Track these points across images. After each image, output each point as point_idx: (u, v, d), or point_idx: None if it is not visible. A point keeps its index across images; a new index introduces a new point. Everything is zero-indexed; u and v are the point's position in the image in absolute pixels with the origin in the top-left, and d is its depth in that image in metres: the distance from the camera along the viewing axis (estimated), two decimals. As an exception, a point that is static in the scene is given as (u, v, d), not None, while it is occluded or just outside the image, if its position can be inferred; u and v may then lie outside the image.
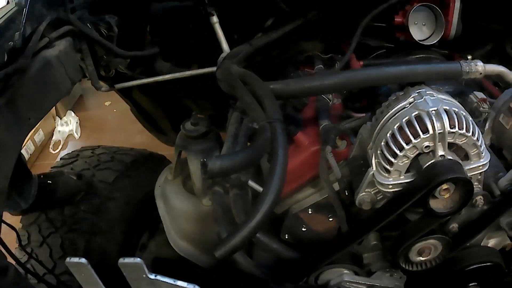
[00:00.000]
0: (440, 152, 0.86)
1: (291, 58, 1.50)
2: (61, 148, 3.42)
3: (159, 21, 1.47)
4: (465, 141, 0.87)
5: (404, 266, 1.04)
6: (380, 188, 0.92)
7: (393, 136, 0.88)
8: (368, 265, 1.12)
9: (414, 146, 0.86)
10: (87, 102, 3.88)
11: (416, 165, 0.89)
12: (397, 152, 0.87)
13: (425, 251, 1.01)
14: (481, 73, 0.95)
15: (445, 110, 0.86)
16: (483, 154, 0.89)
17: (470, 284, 1.05)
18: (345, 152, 1.07)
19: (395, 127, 0.88)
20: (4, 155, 1.03)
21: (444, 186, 0.85)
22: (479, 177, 0.93)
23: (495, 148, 1.04)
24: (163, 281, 0.67)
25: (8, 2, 1.23)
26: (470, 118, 0.88)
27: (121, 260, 0.66)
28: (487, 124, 1.03)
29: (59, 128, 3.52)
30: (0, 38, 1.08)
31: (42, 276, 1.39)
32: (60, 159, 1.76)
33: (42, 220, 1.54)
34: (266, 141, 0.86)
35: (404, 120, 0.87)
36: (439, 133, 0.84)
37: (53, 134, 3.51)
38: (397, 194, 0.92)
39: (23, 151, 3.11)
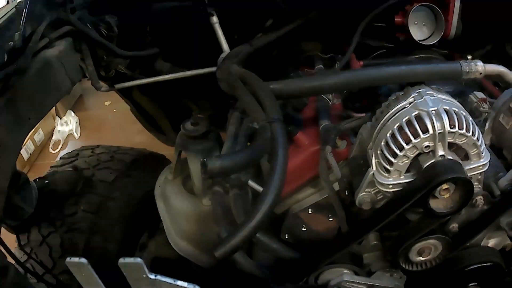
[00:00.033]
0: (440, 152, 0.86)
1: (291, 58, 1.50)
2: (61, 147, 3.42)
3: (159, 21, 1.47)
4: (465, 141, 0.87)
5: (404, 266, 1.04)
6: (380, 188, 0.92)
7: (393, 136, 0.88)
8: (368, 265, 1.12)
9: (414, 146, 0.86)
10: (87, 102, 3.88)
11: (416, 165, 0.89)
12: (397, 152, 0.87)
13: (425, 251, 1.01)
14: (481, 73, 0.95)
15: (445, 110, 0.86)
16: (483, 154, 0.89)
17: (470, 284, 1.05)
18: (345, 152, 1.07)
19: (395, 127, 0.88)
20: (4, 155, 1.03)
21: (444, 186, 0.85)
22: (479, 177, 0.93)
23: (495, 148, 1.04)
24: (163, 281, 0.67)
25: (8, 2, 1.23)
26: (470, 118, 0.88)
27: (121, 260, 0.66)
28: (487, 124, 1.03)
29: (59, 128, 3.52)
30: (0, 38, 1.09)
31: (42, 275, 1.40)
32: (60, 158, 1.76)
33: (42, 220, 1.54)
34: (266, 141, 0.86)
35: (404, 120, 0.87)
36: (439, 133, 0.84)
37: (53, 134, 3.51)
38: (397, 194, 0.92)
39: (23, 151, 3.12)
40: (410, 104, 0.90)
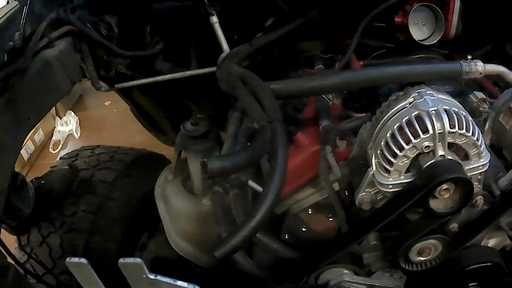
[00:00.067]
0: (440, 152, 0.86)
1: (291, 58, 1.50)
2: (61, 147, 3.42)
3: (159, 21, 1.47)
4: (465, 141, 0.87)
5: (404, 266, 1.04)
6: (380, 188, 0.92)
7: (393, 136, 0.88)
8: (368, 265, 1.12)
9: (414, 146, 0.86)
10: (87, 102, 3.88)
11: (416, 165, 0.89)
12: (397, 152, 0.87)
13: (425, 251, 1.01)
14: (481, 73, 0.95)
15: (445, 110, 0.86)
16: (483, 154, 0.89)
17: (470, 284, 1.05)
18: (345, 152, 1.07)
19: (395, 127, 0.88)
20: (4, 155, 1.03)
21: (444, 186, 0.85)
22: (479, 177, 0.93)
23: (495, 148, 1.04)
24: (163, 281, 0.67)
25: (8, 2, 1.23)
26: (470, 118, 0.88)
27: (121, 260, 0.66)
28: (487, 124, 1.03)
29: (59, 128, 3.52)
30: (0, 38, 1.09)
31: (42, 276, 1.40)
32: (60, 158, 1.76)
33: (42, 220, 1.54)
34: (266, 141, 0.86)
35: (404, 120, 0.87)
36: (439, 133, 0.84)
37: (53, 134, 3.51)
38: (397, 194, 0.92)
39: (23, 151, 3.13)
40: (410, 104, 0.90)
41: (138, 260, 0.66)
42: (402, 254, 1.01)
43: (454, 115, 0.85)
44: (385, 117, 0.92)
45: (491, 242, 1.06)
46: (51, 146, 3.44)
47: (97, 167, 1.65)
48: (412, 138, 0.85)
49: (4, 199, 1.04)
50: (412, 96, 0.91)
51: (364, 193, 0.96)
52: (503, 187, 0.97)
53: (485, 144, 0.91)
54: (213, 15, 1.33)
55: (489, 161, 0.90)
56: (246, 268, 0.99)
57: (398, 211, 0.90)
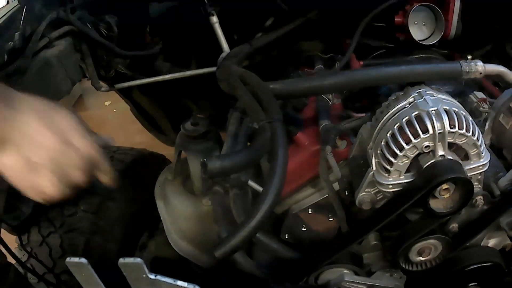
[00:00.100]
0: (440, 152, 0.86)
1: (291, 58, 1.50)
2: (61, 148, 3.42)
3: (159, 21, 1.47)
4: (465, 141, 0.87)
5: (404, 266, 1.03)
6: (380, 188, 0.92)
7: (393, 136, 0.88)
8: (368, 265, 1.12)
9: (414, 146, 0.86)
10: (87, 102, 3.88)
11: (416, 165, 0.89)
12: (397, 152, 0.87)
13: (425, 251, 1.01)
14: (481, 73, 0.95)
15: (445, 110, 0.86)
16: (483, 154, 0.89)
17: (470, 284, 1.05)
18: (345, 152, 1.07)
19: (395, 127, 0.88)
20: (5, 155, 1.03)
21: (444, 186, 0.85)
22: (479, 177, 0.93)
23: (495, 148, 1.04)
24: (163, 281, 0.67)
25: (8, 2, 1.23)
26: (470, 118, 0.88)
27: (121, 260, 0.66)
28: (487, 124, 1.03)
29: (59, 128, 3.51)
30: (0, 38, 1.09)
31: (42, 275, 1.40)
32: (60, 159, 1.75)
33: (42, 220, 1.54)
34: (266, 141, 0.86)
35: (404, 120, 0.87)
36: (439, 133, 0.84)
37: (53, 134, 3.51)
38: (397, 194, 0.92)
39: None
40: (410, 104, 0.90)
41: (138, 260, 0.66)
42: (402, 254, 1.01)
43: (454, 115, 0.85)
44: (385, 117, 0.92)
45: (491, 242, 1.06)
46: (51, 146, 3.43)
47: (97, 167, 1.65)
48: (412, 138, 0.85)
49: (4, 199, 1.04)
50: (412, 96, 0.91)
51: (364, 193, 0.96)
52: (503, 187, 0.96)
53: (485, 144, 0.91)
54: (213, 15, 1.33)
55: (489, 161, 0.90)
56: (246, 268, 0.99)
57: (398, 211, 0.90)
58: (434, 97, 0.89)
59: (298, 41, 1.49)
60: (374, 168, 0.92)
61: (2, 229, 1.12)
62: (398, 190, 0.91)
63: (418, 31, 1.31)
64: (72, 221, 1.52)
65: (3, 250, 1.09)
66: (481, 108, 1.05)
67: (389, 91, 1.06)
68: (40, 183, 0.65)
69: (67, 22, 1.27)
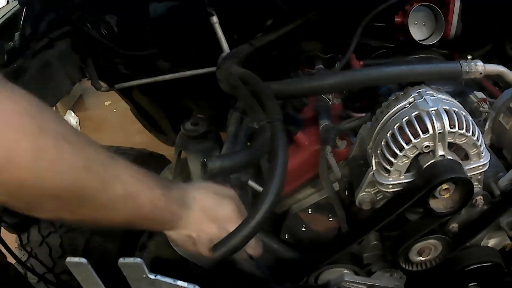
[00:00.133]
0: (440, 152, 0.86)
1: (291, 58, 1.50)
2: (61, 148, 3.42)
3: (159, 21, 1.47)
4: (465, 141, 0.87)
5: (404, 266, 1.04)
6: (380, 188, 0.92)
7: (393, 136, 0.88)
8: (368, 265, 1.12)
9: (414, 146, 0.86)
10: (87, 102, 3.88)
11: (416, 165, 0.89)
12: (397, 152, 0.87)
13: (425, 251, 1.01)
14: (481, 73, 0.95)
15: (445, 110, 0.86)
16: (483, 154, 0.89)
17: (470, 284, 1.05)
18: (345, 152, 1.06)
19: (395, 127, 0.88)
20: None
21: (444, 186, 0.85)
22: (479, 177, 0.93)
23: (495, 148, 1.04)
24: (163, 281, 0.66)
25: (8, 2, 1.23)
26: (470, 118, 0.88)
27: (121, 260, 0.66)
28: (487, 124, 1.03)
29: (59, 128, 3.51)
30: (0, 38, 1.09)
31: (42, 275, 1.40)
32: (60, 159, 1.75)
33: (42, 220, 1.54)
34: (266, 141, 0.86)
35: (404, 120, 0.87)
36: (439, 133, 0.84)
37: (53, 134, 3.51)
38: (397, 194, 0.92)
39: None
40: (410, 104, 0.90)
41: (138, 260, 0.65)
42: (402, 254, 1.01)
43: (454, 115, 0.85)
44: (385, 117, 0.92)
45: (491, 242, 1.06)
46: (51, 146, 3.43)
47: (97, 167, 1.65)
48: (412, 138, 0.85)
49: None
50: (412, 96, 0.91)
51: (364, 193, 0.96)
52: (503, 187, 0.96)
53: (485, 144, 0.91)
54: (213, 15, 1.33)
55: (489, 161, 0.90)
56: (246, 268, 0.99)
57: (398, 211, 0.90)
58: (434, 97, 0.89)
59: (298, 41, 1.49)
60: (374, 168, 0.92)
61: (2, 229, 1.12)
62: (398, 190, 0.91)
63: (418, 31, 1.31)
64: (72, 221, 1.51)
65: (3, 250, 1.09)
66: (481, 108, 1.05)
67: (389, 91, 1.05)
68: (199, 251, 0.84)
69: (67, 22, 1.27)
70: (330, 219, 1.10)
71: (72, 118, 3.57)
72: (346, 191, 1.03)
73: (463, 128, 0.85)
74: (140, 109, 1.85)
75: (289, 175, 0.85)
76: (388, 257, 1.07)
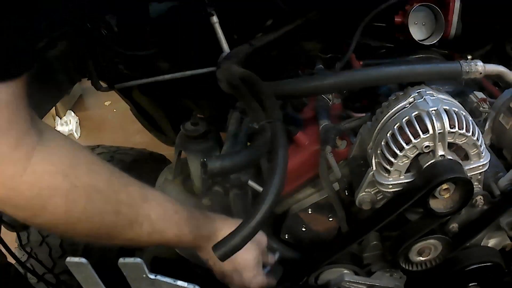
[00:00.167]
0: (440, 152, 0.86)
1: (291, 58, 1.50)
2: (61, 148, 3.41)
3: (159, 21, 1.47)
4: (465, 141, 0.87)
5: (404, 266, 1.04)
6: (380, 188, 0.92)
7: (393, 136, 0.88)
8: (368, 265, 1.12)
9: (414, 146, 0.86)
10: (87, 102, 3.88)
11: (416, 165, 0.89)
12: (397, 152, 0.87)
13: (425, 251, 1.01)
14: (481, 73, 0.95)
15: (445, 110, 0.86)
16: (483, 154, 0.89)
17: (470, 284, 1.05)
18: (345, 152, 1.07)
19: (395, 127, 0.88)
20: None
21: (444, 186, 0.85)
22: (479, 177, 0.93)
23: (495, 148, 1.04)
24: (163, 281, 0.66)
25: (8, 2, 1.22)
26: (470, 118, 0.88)
27: (121, 260, 0.66)
28: (487, 124, 1.03)
29: (59, 127, 3.52)
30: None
31: (42, 275, 1.40)
32: (60, 159, 1.75)
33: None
34: (266, 141, 0.86)
35: (404, 120, 0.87)
36: (439, 133, 0.84)
37: (53, 134, 3.50)
38: (397, 194, 0.92)
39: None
40: (410, 104, 0.90)
41: (138, 260, 0.65)
42: (402, 254, 1.01)
43: (454, 115, 0.85)
44: (385, 117, 0.92)
45: (491, 242, 1.06)
46: (51, 146, 3.43)
47: (97, 167, 1.65)
48: (412, 138, 0.85)
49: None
50: (412, 96, 0.91)
51: (364, 193, 0.96)
52: (503, 187, 0.97)
53: (485, 144, 0.91)
54: (213, 15, 1.33)
55: (489, 161, 0.90)
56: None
57: (398, 211, 0.90)
58: (434, 97, 0.89)
59: (298, 41, 1.49)
60: (374, 168, 0.92)
61: (2, 229, 1.12)
62: (398, 190, 0.91)
63: (418, 31, 1.30)
64: (72, 221, 1.51)
65: (3, 250, 1.09)
66: (481, 108, 1.05)
67: (389, 91, 1.05)
68: (210, 268, 0.96)
69: (67, 22, 1.27)
70: (330, 219, 1.10)
71: (72, 118, 3.57)
72: (346, 191, 1.03)
73: (463, 128, 0.85)
74: (140, 109, 1.85)
75: (289, 175, 0.85)
76: (388, 257, 1.07)
